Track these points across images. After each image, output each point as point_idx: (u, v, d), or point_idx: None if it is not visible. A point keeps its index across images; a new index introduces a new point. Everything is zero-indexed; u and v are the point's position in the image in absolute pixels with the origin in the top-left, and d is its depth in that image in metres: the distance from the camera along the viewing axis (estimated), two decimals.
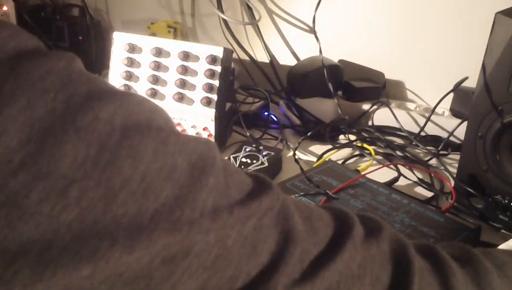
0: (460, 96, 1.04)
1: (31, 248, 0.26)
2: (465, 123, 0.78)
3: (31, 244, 0.26)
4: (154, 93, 0.97)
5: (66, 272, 0.27)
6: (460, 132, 0.91)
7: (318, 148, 1.03)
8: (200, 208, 0.31)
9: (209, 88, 0.95)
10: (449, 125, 1.02)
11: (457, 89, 1.02)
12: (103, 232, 0.28)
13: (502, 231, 0.76)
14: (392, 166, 0.94)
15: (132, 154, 0.29)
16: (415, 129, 1.06)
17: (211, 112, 0.96)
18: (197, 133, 0.98)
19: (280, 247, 0.36)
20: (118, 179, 0.28)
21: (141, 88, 0.98)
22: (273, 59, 1.25)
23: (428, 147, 1.01)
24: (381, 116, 1.10)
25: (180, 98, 0.96)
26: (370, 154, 0.99)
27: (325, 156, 0.99)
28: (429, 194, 0.87)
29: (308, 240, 0.37)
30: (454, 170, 0.85)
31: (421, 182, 0.90)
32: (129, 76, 0.98)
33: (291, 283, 0.36)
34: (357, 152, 1.01)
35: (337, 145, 1.03)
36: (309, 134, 1.04)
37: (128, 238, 0.28)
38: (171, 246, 0.30)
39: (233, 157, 0.92)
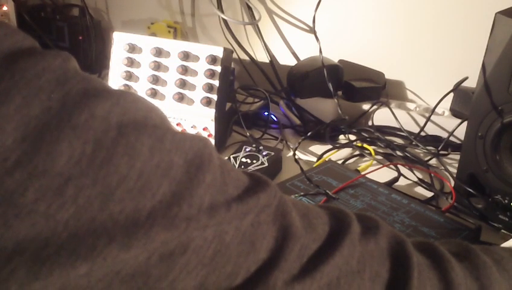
0: (460, 96, 1.04)
1: (28, 246, 0.26)
2: (465, 123, 0.78)
3: (27, 243, 0.26)
4: (154, 93, 0.97)
5: (63, 271, 0.27)
6: (460, 132, 0.91)
7: (318, 148, 1.03)
8: (197, 204, 0.31)
9: (209, 88, 0.95)
10: (449, 125, 1.02)
11: (457, 89, 1.02)
12: (100, 229, 0.28)
13: (502, 231, 0.76)
14: (392, 166, 0.94)
15: (128, 152, 0.29)
16: (415, 129, 1.06)
17: (211, 112, 0.96)
18: (197, 133, 0.98)
19: (279, 243, 0.36)
20: (115, 176, 0.28)
21: (141, 88, 0.98)
22: (273, 59, 1.25)
23: (428, 147, 1.01)
24: (381, 116, 1.10)
25: (180, 98, 0.96)
26: (370, 154, 0.99)
27: (325, 156, 0.99)
28: (429, 194, 0.87)
29: (307, 236, 0.38)
30: (454, 170, 0.85)
31: (421, 182, 0.90)
32: (129, 76, 0.98)
33: (291, 278, 0.36)
34: (357, 152, 1.01)
35: (337, 145, 1.03)
36: (309, 134, 1.04)
37: (126, 236, 0.28)
38: (169, 242, 0.30)
39: (233, 157, 0.92)
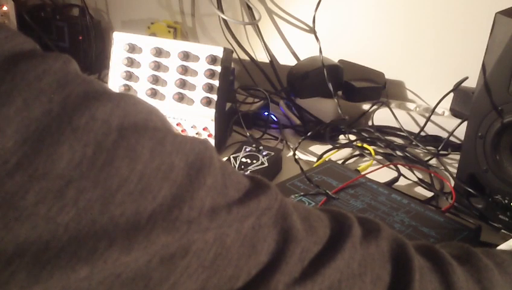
0: (460, 96, 1.04)
1: (28, 249, 0.26)
2: (465, 123, 0.78)
3: (27, 245, 0.26)
4: (154, 93, 0.97)
5: (64, 274, 0.27)
6: (460, 132, 0.91)
7: (318, 148, 1.03)
8: (198, 207, 0.31)
9: (209, 88, 0.95)
10: (449, 125, 1.02)
11: (457, 89, 1.02)
12: (101, 232, 0.28)
13: (502, 231, 0.76)
14: (392, 166, 0.94)
15: (129, 154, 0.29)
16: (415, 129, 1.06)
17: (211, 112, 0.96)
18: (197, 133, 0.98)
19: (280, 246, 0.36)
20: (115, 179, 0.28)
21: (141, 88, 0.98)
22: (273, 59, 1.25)
23: (428, 147, 1.01)
24: (381, 116, 1.10)
25: (180, 98, 0.96)
26: (370, 154, 0.99)
27: (325, 156, 0.99)
28: (429, 194, 0.87)
29: (308, 239, 0.37)
30: (454, 170, 0.85)
31: (421, 182, 0.90)
32: (129, 76, 0.98)
33: (292, 281, 0.36)
34: (357, 152, 1.01)
35: (337, 145, 1.03)
36: (309, 134, 1.04)
37: (126, 239, 0.28)
38: (170, 245, 0.30)
39: (233, 157, 0.92)
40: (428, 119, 1.05)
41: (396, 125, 1.07)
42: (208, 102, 0.95)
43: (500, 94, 0.72)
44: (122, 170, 0.29)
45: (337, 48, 1.19)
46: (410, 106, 1.12)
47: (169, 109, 0.97)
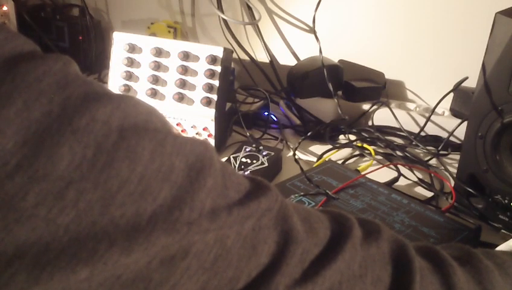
0: (460, 96, 1.04)
1: (28, 251, 0.26)
2: (465, 123, 0.78)
3: (27, 247, 0.26)
4: (154, 93, 0.97)
5: (64, 275, 0.27)
6: (460, 132, 0.91)
7: (318, 148, 1.03)
8: (198, 209, 0.31)
9: (209, 88, 0.95)
10: (449, 125, 1.02)
11: (457, 89, 1.02)
12: (101, 234, 0.28)
13: (502, 231, 0.76)
14: (392, 166, 0.94)
15: (129, 156, 0.29)
16: (415, 129, 1.06)
17: (211, 112, 0.96)
18: (197, 133, 0.98)
19: (280, 247, 0.36)
20: (116, 180, 0.28)
21: (141, 88, 0.98)
22: (273, 59, 1.25)
23: (428, 147, 1.01)
24: (381, 116, 1.10)
25: (180, 98, 0.96)
26: (370, 154, 0.99)
27: (325, 156, 0.99)
28: (429, 194, 0.87)
29: (308, 240, 0.37)
30: (454, 170, 0.85)
31: (421, 182, 0.90)
32: (129, 76, 0.98)
33: (292, 283, 0.36)
34: (357, 152, 1.01)
35: (337, 145, 1.03)
36: (309, 134, 1.04)
37: (126, 240, 0.28)
38: (170, 246, 0.30)
39: (233, 157, 0.92)
40: (428, 119, 1.05)
41: (396, 125, 1.07)
42: (208, 102, 0.95)
43: (500, 94, 0.72)
44: (123, 172, 0.28)
45: (337, 48, 1.19)
46: (410, 106, 1.12)
47: (169, 109, 0.97)
